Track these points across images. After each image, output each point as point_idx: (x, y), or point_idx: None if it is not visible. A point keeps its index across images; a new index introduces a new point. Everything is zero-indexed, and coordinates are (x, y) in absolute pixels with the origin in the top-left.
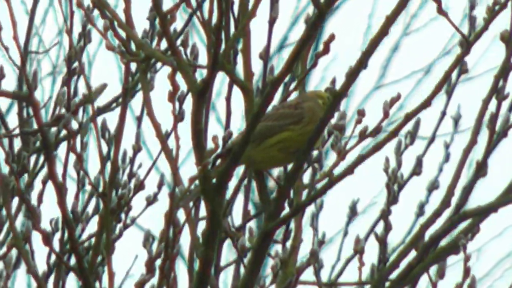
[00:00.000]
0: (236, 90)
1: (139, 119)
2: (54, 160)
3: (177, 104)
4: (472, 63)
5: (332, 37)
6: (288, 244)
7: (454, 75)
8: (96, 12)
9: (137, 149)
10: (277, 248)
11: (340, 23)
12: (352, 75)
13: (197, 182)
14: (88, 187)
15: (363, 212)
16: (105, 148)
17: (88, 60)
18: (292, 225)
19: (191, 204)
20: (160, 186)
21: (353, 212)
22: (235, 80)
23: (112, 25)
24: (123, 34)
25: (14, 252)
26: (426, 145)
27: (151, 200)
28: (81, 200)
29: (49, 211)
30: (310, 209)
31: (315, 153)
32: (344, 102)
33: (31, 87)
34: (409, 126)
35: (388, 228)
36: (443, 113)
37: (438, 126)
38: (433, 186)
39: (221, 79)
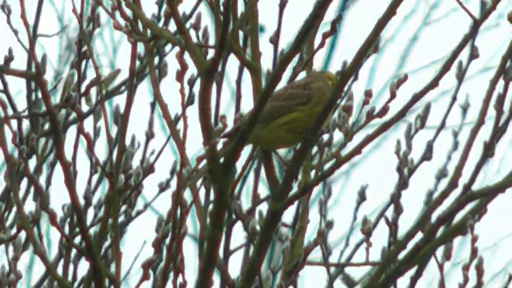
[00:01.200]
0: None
1: (152, 105)
2: (62, 139)
3: (185, 85)
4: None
5: (338, 18)
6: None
7: (464, 60)
8: None
9: (150, 135)
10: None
11: (360, 13)
12: (359, 55)
13: (204, 161)
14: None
15: (372, 199)
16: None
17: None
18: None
19: (198, 184)
20: (172, 172)
21: (362, 198)
22: (242, 60)
23: (120, 5)
24: (130, 14)
25: (23, 235)
26: (437, 131)
27: (164, 187)
28: (93, 186)
29: (60, 196)
30: (318, 196)
31: (325, 136)
32: (362, 93)
33: (39, 66)
34: (419, 110)
35: (399, 210)
36: (454, 99)
37: (448, 112)
38: (442, 174)
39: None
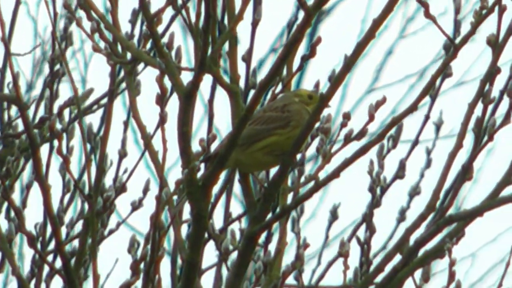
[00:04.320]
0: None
1: (125, 124)
2: (41, 162)
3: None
4: (462, 68)
5: (318, 40)
6: (271, 247)
7: (438, 79)
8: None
9: (123, 154)
10: (260, 251)
11: (333, 28)
12: (339, 78)
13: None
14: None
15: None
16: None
17: (84, 61)
18: (275, 228)
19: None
20: (145, 191)
21: (334, 217)
22: (221, 83)
23: (99, 27)
24: (109, 36)
25: None
26: (409, 149)
27: (136, 206)
28: (65, 205)
29: (31, 217)
30: (291, 214)
31: (298, 156)
32: (336, 105)
33: (19, 89)
34: (392, 130)
35: (372, 230)
36: (427, 117)
37: (421, 130)
38: (415, 191)
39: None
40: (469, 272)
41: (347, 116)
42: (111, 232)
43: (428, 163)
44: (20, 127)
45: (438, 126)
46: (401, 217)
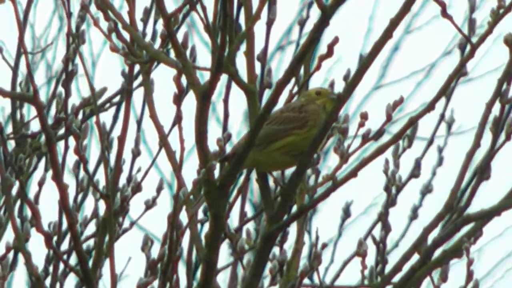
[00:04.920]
0: (234, 92)
1: (138, 123)
2: (58, 161)
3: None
4: (476, 66)
5: (336, 40)
6: (286, 246)
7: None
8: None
9: (136, 153)
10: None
11: (340, 25)
12: (355, 78)
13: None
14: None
15: (362, 213)
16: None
17: (92, 60)
18: (292, 228)
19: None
20: (159, 190)
21: (346, 214)
22: (238, 82)
23: (116, 27)
24: (126, 35)
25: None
26: (425, 148)
27: (150, 205)
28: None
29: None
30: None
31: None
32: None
33: (36, 88)
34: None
35: (387, 229)
36: (442, 116)
37: (436, 129)
38: (427, 189)
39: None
40: (476, 266)
41: (364, 116)
42: (124, 231)
43: (440, 161)
44: (33, 126)
45: (449, 125)
46: (413, 215)
